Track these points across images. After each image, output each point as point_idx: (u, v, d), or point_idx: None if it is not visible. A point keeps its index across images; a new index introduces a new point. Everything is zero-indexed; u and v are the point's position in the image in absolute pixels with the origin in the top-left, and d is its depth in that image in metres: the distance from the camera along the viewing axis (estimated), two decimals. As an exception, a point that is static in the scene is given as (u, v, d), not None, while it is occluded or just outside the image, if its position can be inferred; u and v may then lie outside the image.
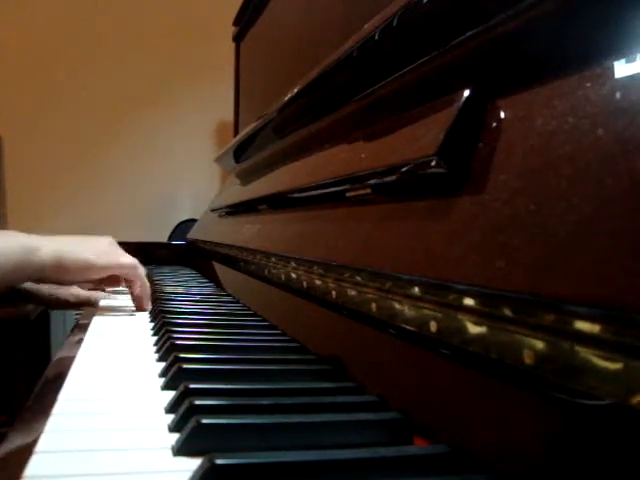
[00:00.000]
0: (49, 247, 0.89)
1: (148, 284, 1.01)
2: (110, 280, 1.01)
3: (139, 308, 0.99)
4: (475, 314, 0.36)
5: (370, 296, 0.51)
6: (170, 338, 0.68)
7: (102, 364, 0.63)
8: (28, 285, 0.98)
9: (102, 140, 2.33)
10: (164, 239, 2.20)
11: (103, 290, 1.11)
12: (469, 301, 0.37)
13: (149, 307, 1.00)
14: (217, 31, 2.07)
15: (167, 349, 0.65)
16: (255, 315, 0.91)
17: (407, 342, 0.46)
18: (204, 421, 0.39)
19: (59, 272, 0.90)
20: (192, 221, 2.09)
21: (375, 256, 0.50)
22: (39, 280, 0.93)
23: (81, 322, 0.89)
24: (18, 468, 0.34)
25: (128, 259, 0.99)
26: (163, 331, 0.73)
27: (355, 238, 0.57)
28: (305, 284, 0.69)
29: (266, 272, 0.89)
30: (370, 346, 0.54)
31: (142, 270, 1.00)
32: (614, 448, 0.27)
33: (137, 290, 0.99)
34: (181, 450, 0.38)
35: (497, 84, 0.44)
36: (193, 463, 0.35)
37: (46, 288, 1.00)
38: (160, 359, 0.64)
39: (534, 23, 0.40)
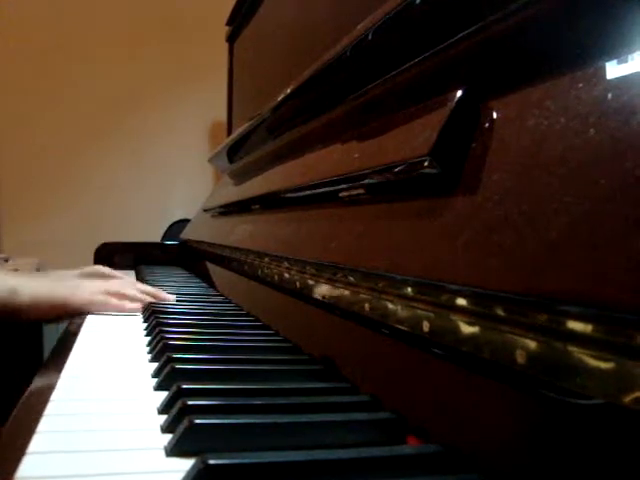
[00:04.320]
0: (27, 288, 0.91)
1: (138, 292, 1.01)
2: None
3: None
4: (468, 314, 0.36)
5: (363, 296, 0.51)
6: (163, 338, 0.68)
7: (95, 364, 0.63)
8: None
9: (95, 141, 2.32)
10: (157, 239, 2.19)
11: None
12: (462, 301, 0.37)
13: (171, 298, 1.02)
14: (210, 31, 2.07)
15: (160, 349, 0.65)
16: (248, 315, 0.91)
17: (400, 342, 0.46)
18: (197, 421, 0.39)
19: (35, 312, 0.92)
20: (185, 221, 2.09)
21: (368, 256, 0.50)
22: (16, 320, 0.94)
23: (74, 322, 0.89)
24: (11, 468, 0.34)
25: (99, 298, 0.97)
26: (156, 331, 0.73)
27: (348, 238, 0.57)
28: (298, 284, 0.69)
29: (259, 272, 0.89)
30: (363, 346, 0.54)
31: (122, 290, 1.01)
32: (606, 446, 0.27)
33: (128, 307, 0.99)
34: (174, 450, 0.38)
35: (490, 85, 0.44)
36: (186, 463, 0.35)
37: None
38: (153, 359, 0.64)
39: (527, 24, 0.41)
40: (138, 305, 0.98)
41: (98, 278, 1.08)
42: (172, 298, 1.03)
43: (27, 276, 0.97)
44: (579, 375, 0.27)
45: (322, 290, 0.61)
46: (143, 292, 1.02)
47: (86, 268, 1.13)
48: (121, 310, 0.96)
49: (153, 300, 1.00)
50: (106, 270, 1.13)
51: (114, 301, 0.97)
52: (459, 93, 0.45)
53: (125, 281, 1.08)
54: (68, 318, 0.98)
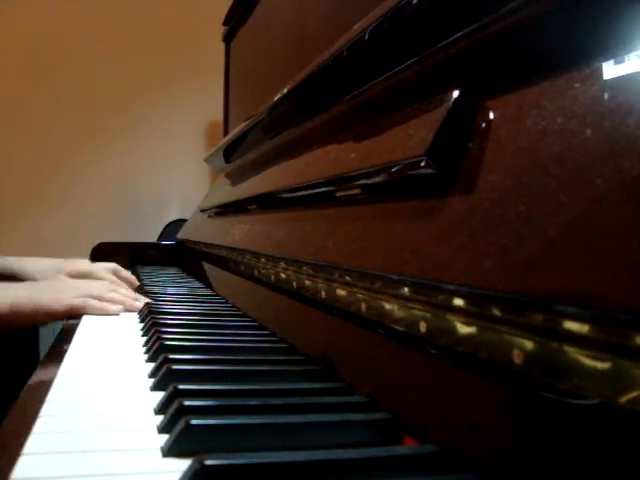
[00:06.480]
0: (7, 297, 0.91)
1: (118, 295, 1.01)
2: None
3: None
4: (464, 314, 0.36)
5: (360, 296, 0.51)
6: (159, 339, 0.67)
7: (91, 365, 0.62)
8: None
9: (92, 140, 2.32)
10: (154, 239, 2.19)
11: None
12: (458, 301, 0.37)
13: (139, 305, 1.01)
14: (207, 31, 2.07)
15: (156, 350, 0.65)
16: (245, 316, 0.91)
17: (397, 342, 0.46)
18: (193, 422, 0.39)
19: (17, 321, 0.92)
20: (182, 221, 2.08)
21: (365, 256, 0.50)
22: None
23: (70, 322, 0.89)
24: (6, 469, 0.34)
25: (79, 302, 0.96)
26: (152, 332, 0.73)
27: (345, 238, 0.57)
28: (295, 284, 0.69)
29: (256, 272, 0.89)
30: (360, 346, 0.54)
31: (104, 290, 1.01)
32: (603, 446, 0.27)
33: (110, 309, 0.98)
34: (170, 451, 0.38)
35: (486, 85, 0.44)
36: (183, 464, 0.35)
37: None
38: (149, 360, 0.64)
39: (523, 25, 0.41)
40: (120, 307, 0.98)
41: (81, 277, 1.09)
42: (140, 306, 1.01)
43: (5, 284, 0.97)
44: (576, 375, 0.27)
45: (319, 290, 0.61)
46: (125, 295, 1.03)
47: (69, 265, 1.13)
48: (104, 312, 0.96)
49: (132, 304, 1.00)
50: (93, 269, 1.14)
51: (95, 303, 0.97)
52: (455, 93, 0.45)
53: (106, 284, 1.07)
54: (51, 322, 0.98)
